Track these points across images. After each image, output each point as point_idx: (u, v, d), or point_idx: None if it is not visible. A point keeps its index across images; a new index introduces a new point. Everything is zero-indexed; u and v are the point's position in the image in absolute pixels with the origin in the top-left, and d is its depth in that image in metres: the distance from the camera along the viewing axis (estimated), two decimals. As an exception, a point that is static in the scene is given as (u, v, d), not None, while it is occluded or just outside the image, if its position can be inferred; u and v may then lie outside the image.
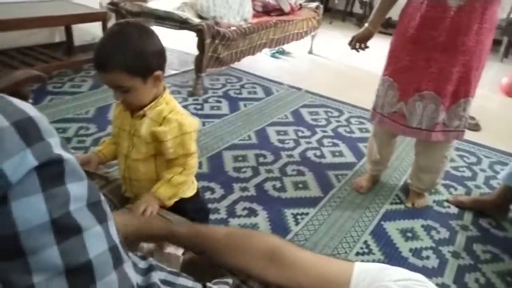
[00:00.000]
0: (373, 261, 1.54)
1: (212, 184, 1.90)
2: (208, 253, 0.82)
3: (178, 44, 3.95)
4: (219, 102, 2.81)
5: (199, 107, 2.71)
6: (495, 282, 1.51)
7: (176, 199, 1.11)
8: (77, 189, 0.48)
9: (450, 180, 2.12)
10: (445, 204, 1.93)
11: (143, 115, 1.03)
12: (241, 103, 2.83)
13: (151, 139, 1.03)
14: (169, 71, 3.31)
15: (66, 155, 0.50)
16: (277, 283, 0.73)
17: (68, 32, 3.27)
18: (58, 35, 3.31)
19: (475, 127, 2.78)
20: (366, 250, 1.59)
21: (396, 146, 2.11)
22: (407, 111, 1.66)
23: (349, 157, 2.26)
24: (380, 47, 2.23)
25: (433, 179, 1.86)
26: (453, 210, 1.89)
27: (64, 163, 0.49)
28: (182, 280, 0.73)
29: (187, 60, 3.57)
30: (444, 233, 1.73)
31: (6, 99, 0.49)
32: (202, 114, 2.62)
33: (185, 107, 2.68)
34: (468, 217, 1.85)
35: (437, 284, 1.46)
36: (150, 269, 0.69)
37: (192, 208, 1.19)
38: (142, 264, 0.71)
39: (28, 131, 0.48)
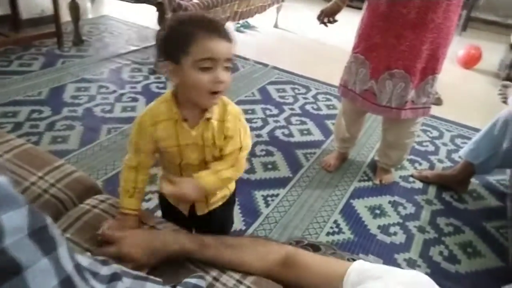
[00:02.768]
0: (343, 240, 1.56)
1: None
2: (232, 261, 0.82)
3: (136, 18, 3.74)
4: (183, 80, 2.70)
5: (161, 85, 2.60)
6: (457, 253, 1.57)
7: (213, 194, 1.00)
8: (14, 219, 0.40)
9: (415, 155, 2.16)
10: (411, 179, 1.97)
11: (208, 118, 0.86)
12: (206, 81, 2.73)
13: (223, 140, 0.89)
14: (128, 47, 3.13)
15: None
16: (292, 284, 0.77)
17: (13, 4, 3.00)
18: (1, 8, 3.03)
19: (437, 101, 2.83)
20: (336, 230, 1.60)
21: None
22: (377, 89, 1.65)
23: (317, 135, 2.25)
24: (347, 21, 2.19)
25: (400, 155, 1.89)
26: (418, 185, 1.94)
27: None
28: (150, 286, 0.68)
29: (147, 35, 3.39)
30: (410, 208, 1.77)
31: None
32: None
33: (146, 85, 2.56)
34: (432, 191, 1.90)
35: (404, 259, 1.51)
36: (113, 277, 0.64)
37: (224, 216, 1.09)
38: (104, 271, 0.65)
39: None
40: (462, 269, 1.49)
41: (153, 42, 2.99)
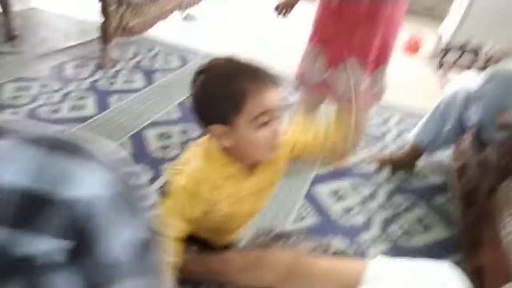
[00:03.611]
0: (309, 226, 1.61)
1: (138, 168, 1.78)
2: (239, 275, 0.81)
3: (71, 11, 3.51)
4: (132, 75, 2.60)
5: (109, 81, 2.48)
6: (412, 229, 1.69)
7: None
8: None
9: (366, 140, 2.27)
10: (365, 162, 2.08)
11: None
12: (157, 75, 2.65)
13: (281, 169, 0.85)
14: (68, 41, 2.94)
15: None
16: None
17: None
18: None
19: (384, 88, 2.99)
20: (301, 217, 1.66)
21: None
22: (333, 80, 1.71)
23: (274, 125, 2.29)
24: (302, 12, 2.22)
25: (355, 141, 1.98)
26: (372, 167, 2.05)
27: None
28: None
29: (87, 28, 3.20)
30: (368, 190, 1.87)
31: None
32: (115, 90, 2.40)
33: (93, 82, 2.44)
34: (385, 172, 2.02)
35: (366, 238, 1.59)
36: None
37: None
38: None
39: (130, 198, 0.42)
40: (418, 242, 1.62)
41: (95, 36, 2.85)
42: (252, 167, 0.79)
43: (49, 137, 0.40)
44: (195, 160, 0.78)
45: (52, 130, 0.42)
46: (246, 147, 0.73)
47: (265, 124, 0.71)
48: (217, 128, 0.72)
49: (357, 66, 1.65)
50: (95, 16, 2.55)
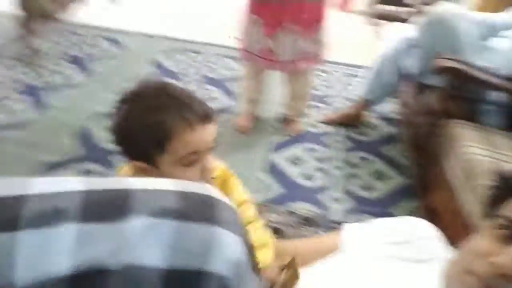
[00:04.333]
0: (273, 194, 1.64)
1: (90, 166, 1.70)
2: None
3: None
4: (65, 68, 2.43)
5: (43, 80, 2.30)
6: (370, 181, 1.77)
7: None
8: None
9: (314, 101, 2.30)
10: (316, 124, 2.12)
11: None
12: (93, 64, 2.49)
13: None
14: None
15: None
16: None
17: None
18: None
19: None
20: (263, 187, 1.68)
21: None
22: (274, 46, 1.70)
23: (224, 100, 2.26)
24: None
25: (304, 104, 2.01)
26: (324, 128, 2.10)
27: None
28: None
29: (4, 24, 2.91)
30: (323, 151, 1.93)
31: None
32: (51, 87, 2.24)
33: (25, 83, 2.25)
34: (337, 131, 2.08)
35: (329, 198, 1.65)
36: None
37: None
38: None
39: (248, 244, 0.39)
40: (378, 193, 1.71)
41: (10, 31, 2.59)
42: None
43: (175, 207, 0.37)
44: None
45: (174, 196, 0.39)
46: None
47: (192, 163, 0.65)
48: (140, 164, 0.66)
49: (294, 28, 1.66)
50: (7, 7, 2.32)
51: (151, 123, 0.62)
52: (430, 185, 1.55)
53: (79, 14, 2.85)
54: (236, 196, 0.83)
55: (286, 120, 2.06)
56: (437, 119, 1.61)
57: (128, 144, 0.66)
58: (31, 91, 2.18)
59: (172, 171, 0.64)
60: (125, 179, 0.40)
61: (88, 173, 1.66)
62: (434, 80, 1.71)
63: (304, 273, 0.67)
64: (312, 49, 1.77)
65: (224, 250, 0.37)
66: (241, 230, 0.40)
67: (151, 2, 3.71)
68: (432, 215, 1.44)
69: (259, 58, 1.76)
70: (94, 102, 2.11)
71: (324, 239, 0.81)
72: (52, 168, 1.67)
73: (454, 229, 1.28)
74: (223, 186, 0.81)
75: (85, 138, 1.86)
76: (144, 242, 0.35)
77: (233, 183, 0.84)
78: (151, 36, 2.93)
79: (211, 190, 0.40)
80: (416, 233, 0.67)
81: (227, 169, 0.85)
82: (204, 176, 0.67)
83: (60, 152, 1.76)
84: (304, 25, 1.69)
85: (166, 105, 0.63)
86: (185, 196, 0.39)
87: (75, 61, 2.50)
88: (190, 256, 0.36)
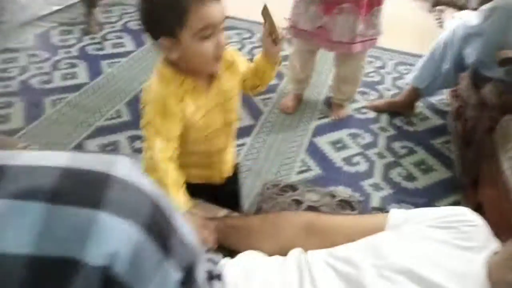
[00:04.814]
0: (313, 176, 1.65)
1: (139, 132, 1.77)
2: (242, 243, 0.79)
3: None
4: (121, 38, 2.53)
5: (99, 47, 2.41)
6: (413, 172, 1.73)
7: None
8: (201, 272, 0.41)
9: (364, 87, 2.26)
10: (363, 110, 2.09)
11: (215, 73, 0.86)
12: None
13: (238, 86, 0.92)
14: (49, 7, 2.82)
15: (196, 242, 0.41)
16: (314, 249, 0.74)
17: None
18: None
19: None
20: (305, 168, 1.69)
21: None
22: (329, 25, 1.68)
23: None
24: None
25: (353, 89, 1.97)
26: (371, 114, 2.06)
27: (197, 257, 0.41)
28: None
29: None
30: (368, 138, 1.89)
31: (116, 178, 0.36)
32: (105, 55, 2.34)
33: (82, 48, 2.38)
34: (384, 119, 2.03)
35: (369, 185, 1.64)
36: None
37: (232, 189, 1.12)
38: None
39: (163, 230, 0.37)
40: (419, 184, 1.66)
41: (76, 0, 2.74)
42: (208, 82, 0.86)
43: (48, 188, 0.33)
44: (154, 85, 0.83)
45: (55, 174, 0.35)
46: (192, 58, 0.79)
47: (208, 37, 0.75)
48: (164, 41, 0.76)
49: (352, 9, 1.62)
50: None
51: (170, 3, 0.73)
52: (477, 181, 1.49)
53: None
54: (243, 72, 0.91)
55: (333, 104, 2.04)
56: (493, 114, 1.53)
57: (153, 23, 0.77)
58: (86, 57, 2.29)
59: (191, 45, 0.75)
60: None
61: (135, 139, 1.74)
62: (494, 72, 1.62)
63: (348, 246, 0.68)
64: (367, 31, 1.73)
65: (106, 238, 0.33)
66: (138, 212, 0.36)
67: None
68: (477, 212, 1.39)
69: (311, 36, 1.73)
70: (147, 73, 2.19)
71: (369, 218, 0.80)
72: (102, 131, 1.77)
73: (499, 228, 1.23)
74: (230, 68, 0.89)
75: (136, 107, 1.94)
76: (4, 227, 0.31)
77: (239, 67, 0.91)
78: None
79: (114, 167, 0.36)
80: (462, 221, 0.66)
81: (236, 53, 0.92)
82: (217, 51, 0.78)
83: (110, 117, 1.86)
84: (363, 6, 1.64)
85: None
86: (69, 174, 0.35)
87: (132, 32, 2.59)
88: (61, 243, 0.32)
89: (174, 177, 0.80)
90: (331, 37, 1.70)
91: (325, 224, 0.77)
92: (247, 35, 2.72)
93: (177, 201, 0.79)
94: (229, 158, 1.05)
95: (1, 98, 1.90)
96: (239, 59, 0.92)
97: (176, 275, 0.37)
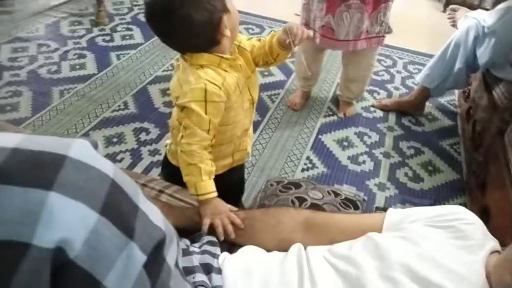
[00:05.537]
0: (318, 174, 1.63)
1: (145, 124, 1.78)
2: (242, 235, 0.79)
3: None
4: (130, 30, 2.53)
5: (107, 38, 2.41)
6: (419, 173, 1.71)
7: None
8: (172, 257, 0.41)
9: (373, 86, 2.24)
10: (371, 109, 2.06)
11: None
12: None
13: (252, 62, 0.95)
14: (60, -3, 2.83)
15: (163, 224, 0.40)
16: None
17: None
18: None
19: (388, 30, 2.89)
20: (310, 165, 1.67)
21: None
22: (334, 24, 1.65)
23: (278, 76, 2.25)
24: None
25: (361, 87, 1.95)
26: (379, 113, 2.03)
27: (165, 237, 0.40)
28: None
29: (80, -18, 3.07)
30: (375, 137, 1.87)
31: (76, 161, 0.34)
32: (114, 46, 2.34)
33: (91, 39, 2.38)
34: (392, 118, 2.01)
35: (374, 184, 1.62)
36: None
37: (233, 178, 1.12)
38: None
39: (123, 212, 0.36)
40: (426, 185, 1.64)
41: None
42: (232, 60, 0.88)
43: None
44: (192, 75, 0.82)
45: (5, 151, 0.33)
46: (234, 20, 0.83)
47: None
48: (224, 20, 0.79)
49: (359, 5, 1.60)
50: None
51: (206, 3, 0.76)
52: (485, 183, 1.47)
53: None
54: (250, 50, 0.93)
55: (340, 101, 2.02)
56: (504, 116, 1.50)
57: (209, 24, 0.78)
58: (95, 48, 2.29)
59: (231, 5, 0.81)
60: None
61: (141, 131, 1.74)
62: (506, 73, 1.60)
63: (348, 244, 0.68)
64: (373, 28, 1.70)
65: (57, 220, 0.32)
66: (94, 194, 0.34)
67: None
68: (483, 214, 1.37)
69: (318, 35, 1.71)
70: (155, 66, 2.19)
71: (367, 217, 0.80)
72: (109, 122, 1.77)
73: (506, 231, 1.21)
74: (238, 47, 0.92)
75: (143, 99, 1.94)
76: None
77: (244, 44, 0.93)
78: (213, 6, 2.95)
79: (71, 148, 0.35)
80: (459, 219, 0.65)
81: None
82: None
83: (117, 109, 1.86)
84: (370, 2, 1.61)
85: None
86: (18, 155, 0.33)
87: (141, 24, 2.58)
88: (5, 225, 0.31)
89: (208, 165, 0.84)
90: (337, 35, 1.68)
91: (323, 221, 0.76)
92: (257, 30, 2.70)
93: (208, 189, 0.82)
94: (250, 140, 1.09)
95: (10, 87, 1.92)
96: (241, 37, 0.94)
97: (141, 257, 0.36)
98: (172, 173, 1.02)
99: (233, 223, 0.81)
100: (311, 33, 0.91)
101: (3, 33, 2.34)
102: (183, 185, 0.89)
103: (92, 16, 2.58)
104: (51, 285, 0.32)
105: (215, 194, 0.84)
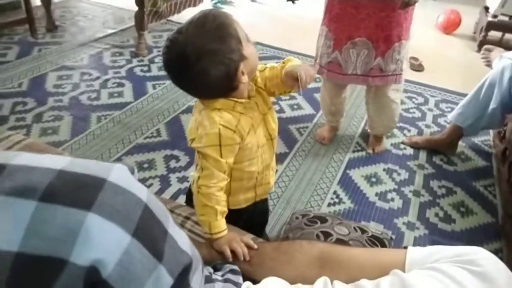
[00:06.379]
0: (344, 209, 1.61)
1: (175, 152, 1.83)
2: (254, 269, 0.80)
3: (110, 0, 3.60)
4: (167, 61, 2.64)
5: (145, 68, 2.54)
6: (451, 213, 1.65)
7: None
8: (197, 283, 0.44)
9: (403, 123, 2.22)
10: (402, 146, 2.03)
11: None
12: (190, 61, 2.68)
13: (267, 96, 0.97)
14: (105, 30, 3.03)
15: (190, 250, 0.43)
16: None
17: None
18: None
19: (419, 68, 2.89)
20: (336, 200, 1.65)
21: (350, 94, 2.13)
22: (342, 60, 1.66)
23: (307, 109, 2.28)
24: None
25: (388, 123, 1.92)
26: (409, 151, 2.00)
27: (191, 263, 0.42)
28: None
29: (123, 17, 3.28)
30: (404, 174, 1.84)
31: (115, 185, 0.37)
32: (150, 77, 2.46)
33: (130, 69, 2.51)
34: (423, 156, 1.97)
35: (403, 223, 1.57)
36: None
37: (256, 211, 1.13)
38: None
39: (153, 236, 0.38)
40: (457, 227, 1.58)
41: (130, 24, 2.92)
42: (247, 103, 0.89)
43: (41, 186, 0.34)
44: (208, 119, 0.84)
45: (51, 174, 0.35)
46: (253, 63, 0.85)
47: (248, 37, 0.84)
48: (240, 69, 0.81)
49: (365, 42, 1.59)
50: (130, 3, 2.61)
51: (223, 40, 0.78)
52: (522, 229, 1.40)
53: (188, 16, 3.08)
54: (274, 73, 0.93)
55: (369, 137, 2.01)
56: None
57: (227, 58, 0.79)
58: (133, 78, 2.41)
59: (248, 50, 0.82)
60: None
61: (171, 158, 1.78)
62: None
63: (376, 282, 0.66)
64: (388, 67, 1.66)
65: (94, 240, 0.33)
66: (129, 218, 0.35)
67: (248, 9, 3.88)
68: (520, 262, 1.30)
69: (326, 71, 1.72)
70: (187, 96, 2.27)
71: (387, 253, 0.77)
72: (141, 148, 1.83)
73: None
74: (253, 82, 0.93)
75: (175, 127, 2.00)
76: None
77: (266, 72, 0.95)
78: (247, 41, 3.06)
79: (112, 173, 0.36)
80: (482, 260, 0.62)
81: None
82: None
83: (149, 136, 1.93)
84: (379, 41, 1.59)
85: (219, 24, 0.80)
86: (64, 176, 0.35)
87: (176, 56, 2.70)
88: (48, 242, 0.32)
89: (224, 206, 0.87)
90: (345, 70, 1.68)
91: (340, 256, 0.75)
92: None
93: (221, 227, 0.86)
94: (272, 174, 1.09)
95: (52, 111, 2.03)
96: (256, 74, 0.96)
97: (169, 280, 0.38)
98: None
99: (247, 246, 0.84)
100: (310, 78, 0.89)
101: (51, 61, 2.51)
102: None
103: (133, 47, 2.74)
104: None
105: (227, 231, 0.87)
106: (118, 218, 0.35)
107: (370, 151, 1.96)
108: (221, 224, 0.86)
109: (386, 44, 1.61)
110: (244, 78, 0.82)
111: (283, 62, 0.94)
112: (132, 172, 0.42)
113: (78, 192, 0.35)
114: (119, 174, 0.38)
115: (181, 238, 0.42)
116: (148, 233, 0.37)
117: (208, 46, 0.77)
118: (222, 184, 0.86)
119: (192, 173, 1.11)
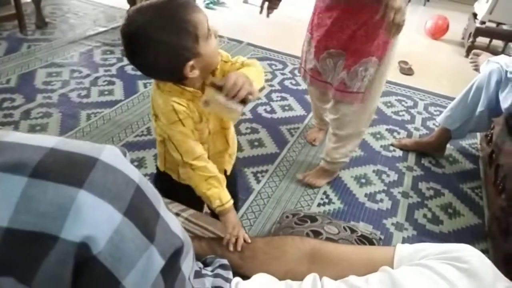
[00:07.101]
0: (334, 210, 1.62)
1: (166, 150, 1.82)
2: (245, 263, 0.79)
3: (101, -3, 3.57)
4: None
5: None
6: (439, 215, 1.67)
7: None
8: (187, 268, 0.43)
9: (393, 125, 2.24)
10: (391, 148, 2.05)
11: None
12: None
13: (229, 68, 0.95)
14: (96, 28, 3.00)
15: (182, 233, 0.42)
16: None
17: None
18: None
19: (409, 72, 2.93)
20: (326, 201, 1.66)
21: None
22: (320, 68, 1.62)
23: (298, 110, 2.29)
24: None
25: (340, 150, 1.71)
26: (398, 153, 2.02)
27: (182, 246, 0.42)
28: None
29: (115, 15, 3.26)
30: (393, 176, 1.85)
31: (106, 164, 0.37)
32: (141, 75, 2.40)
33: (121, 68, 2.49)
34: (411, 158, 1.99)
35: (392, 224, 1.59)
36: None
37: (236, 180, 1.16)
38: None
39: (145, 216, 0.38)
40: (445, 229, 1.60)
41: (121, 22, 2.89)
42: (195, 93, 0.88)
43: (32, 163, 0.33)
44: (160, 98, 0.86)
45: (42, 152, 0.34)
46: (211, 59, 0.84)
47: (210, 34, 0.82)
48: (189, 65, 0.79)
49: (340, 53, 1.52)
50: (122, 2, 2.59)
51: (178, 29, 0.76)
52: (509, 230, 1.42)
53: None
54: (233, 68, 0.92)
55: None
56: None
57: (172, 63, 0.79)
58: (124, 76, 2.40)
59: (206, 47, 0.81)
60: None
61: (163, 157, 1.78)
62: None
63: (365, 278, 0.67)
64: (352, 82, 1.51)
65: (84, 217, 0.33)
66: (121, 197, 0.35)
67: (241, 11, 3.88)
68: (506, 262, 1.32)
69: (309, 76, 1.71)
70: (178, 95, 2.27)
71: (375, 250, 0.78)
72: (131, 146, 1.82)
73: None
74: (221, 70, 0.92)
75: (166, 126, 1.99)
76: None
77: (227, 66, 0.94)
78: (239, 42, 3.07)
79: (103, 153, 0.37)
80: (469, 257, 0.63)
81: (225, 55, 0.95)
82: (217, 43, 0.85)
83: (140, 134, 1.91)
84: (349, 54, 1.49)
85: (174, 10, 0.77)
86: (55, 154, 0.35)
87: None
88: (38, 217, 0.32)
89: (215, 171, 0.89)
90: (324, 77, 1.63)
91: (330, 252, 0.75)
92: (280, 66, 2.77)
93: (228, 196, 0.88)
94: (229, 160, 1.08)
95: (41, 108, 2.01)
96: (227, 64, 0.96)
97: (160, 261, 0.38)
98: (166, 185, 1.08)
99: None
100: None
101: (41, 58, 2.48)
102: (177, 196, 0.98)
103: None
104: (73, 278, 0.33)
105: (229, 204, 0.89)
106: (109, 196, 0.35)
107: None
108: (227, 193, 0.88)
109: (353, 58, 1.49)
110: (193, 73, 0.82)
111: (245, 64, 0.93)
112: (125, 155, 0.42)
113: (70, 170, 0.34)
114: (111, 154, 0.39)
115: (173, 222, 0.42)
116: (140, 213, 0.37)
117: (160, 37, 0.75)
118: (204, 151, 0.88)
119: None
